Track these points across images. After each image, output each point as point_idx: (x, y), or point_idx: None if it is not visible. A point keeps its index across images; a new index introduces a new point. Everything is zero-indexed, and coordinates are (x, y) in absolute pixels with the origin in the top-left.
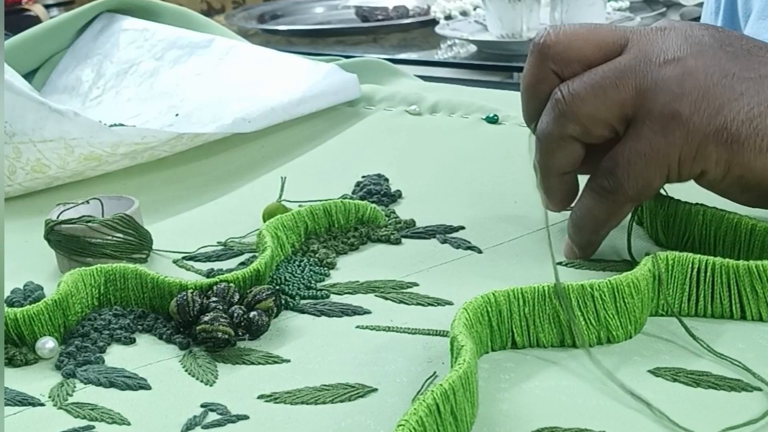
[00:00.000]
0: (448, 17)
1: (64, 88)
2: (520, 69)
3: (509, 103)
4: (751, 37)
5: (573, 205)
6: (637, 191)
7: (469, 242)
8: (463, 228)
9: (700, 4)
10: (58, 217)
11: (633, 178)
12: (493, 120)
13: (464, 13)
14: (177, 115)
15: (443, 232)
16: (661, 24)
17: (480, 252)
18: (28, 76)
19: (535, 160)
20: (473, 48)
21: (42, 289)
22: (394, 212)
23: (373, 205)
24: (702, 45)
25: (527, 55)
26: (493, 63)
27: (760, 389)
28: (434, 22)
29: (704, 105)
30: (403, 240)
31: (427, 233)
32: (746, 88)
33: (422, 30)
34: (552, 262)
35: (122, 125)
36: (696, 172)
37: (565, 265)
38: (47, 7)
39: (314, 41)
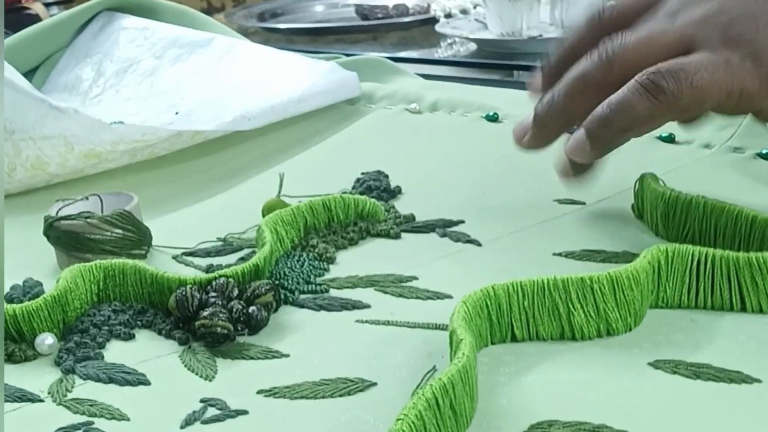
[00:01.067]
0: (448, 15)
1: (64, 86)
2: (520, 67)
3: (509, 101)
4: None
5: (603, 104)
6: (691, 102)
7: (469, 236)
8: (462, 222)
9: None
10: (57, 213)
11: (696, 87)
12: (493, 118)
13: (464, 12)
14: (177, 113)
15: (443, 226)
16: None
17: (479, 245)
18: (28, 74)
19: (549, 99)
20: (473, 46)
21: (41, 285)
22: (393, 207)
23: (373, 199)
24: None
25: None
26: (494, 61)
27: (760, 381)
28: (434, 20)
29: None
30: (403, 234)
31: (427, 227)
32: None
33: (422, 28)
34: None
35: (122, 123)
36: (756, 108)
37: (564, 255)
38: (47, 5)
39: (314, 39)
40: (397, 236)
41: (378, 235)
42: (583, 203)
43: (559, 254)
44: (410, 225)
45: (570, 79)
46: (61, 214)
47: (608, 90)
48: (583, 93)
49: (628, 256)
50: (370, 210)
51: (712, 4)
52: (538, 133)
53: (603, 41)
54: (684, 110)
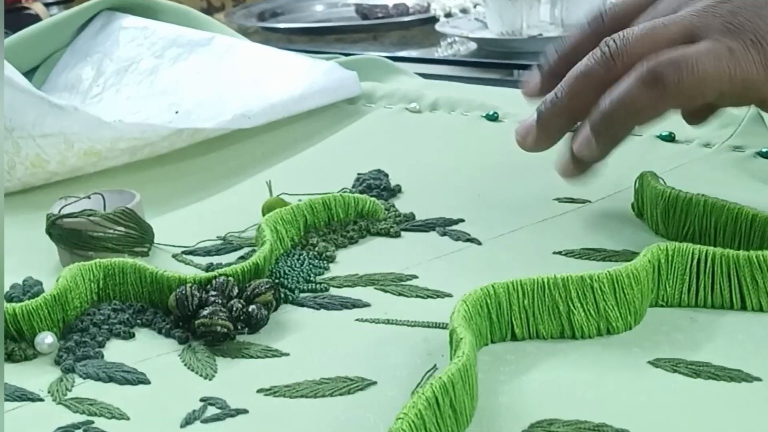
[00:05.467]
0: (448, 15)
1: (64, 86)
2: (520, 66)
3: (509, 100)
4: None
5: (603, 101)
6: (693, 91)
7: (469, 234)
8: (462, 220)
9: None
10: (59, 211)
11: (697, 76)
12: (493, 117)
13: (464, 11)
14: (177, 112)
15: (443, 225)
16: None
17: (479, 244)
18: (29, 74)
19: (552, 98)
20: (473, 45)
21: (41, 284)
22: (393, 206)
23: (373, 198)
24: None
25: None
26: (493, 60)
27: (760, 379)
28: (434, 19)
29: None
30: (403, 233)
31: (427, 226)
32: None
33: (422, 27)
34: None
35: (122, 121)
36: (760, 97)
37: (564, 254)
38: (47, 5)
39: (314, 39)
40: (397, 235)
41: (378, 233)
42: (583, 201)
43: (559, 253)
44: (410, 224)
45: (572, 77)
46: (64, 212)
47: (611, 86)
48: (586, 90)
49: (628, 255)
50: (370, 208)
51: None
52: (543, 133)
53: (605, 40)
54: (686, 100)
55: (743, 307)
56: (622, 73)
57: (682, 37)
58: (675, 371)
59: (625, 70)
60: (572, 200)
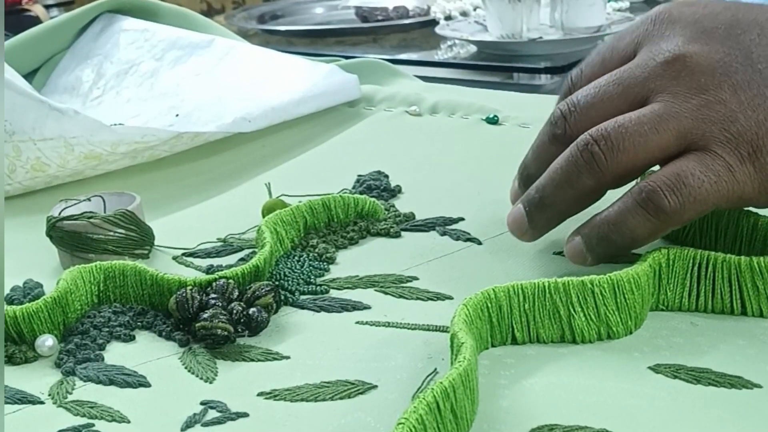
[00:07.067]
0: (448, 18)
1: (64, 88)
2: (520, 69)
3: (509, 103)
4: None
5: (600, 214)
6: (693, 216)
7: (469, 234)
8: (462, 219)
9: None
10: (60, 213)
11: (698, 201)
12: (493, 121)
13: (464, 14)
14: (177, 115)
15: (442, 224)
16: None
17: (480, 243)
18: (29, 76)
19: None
20: (473, 48)
21: (42, 286)
22: (393, 206)
23: (372, 198)
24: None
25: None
26: (493, 63)
27: (760, 386)
28: (434, 22)
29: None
30: (403, 233)
31: (427, 226)
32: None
33: (422, 30)
34: None
35: (122, 125)
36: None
37: (563, 254)
38: (47, 7)
39: (314, 41)
40: (396, 235)
41: (378, 234)
42: None
43: (559, 253)
44: (410, 223)
45: (558, 182)
46: (64, 214)
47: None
48: (574, 194)
49: (628, 256)
50: (370, 209)
51: (705, 92)
52: (537, 231)
53: (590, 144)
54: (685, 222)
55: (743, 313)
56: (610, 182)
57: (676, 145)
58: (675, 377)
59: (614, 180)
60: None
